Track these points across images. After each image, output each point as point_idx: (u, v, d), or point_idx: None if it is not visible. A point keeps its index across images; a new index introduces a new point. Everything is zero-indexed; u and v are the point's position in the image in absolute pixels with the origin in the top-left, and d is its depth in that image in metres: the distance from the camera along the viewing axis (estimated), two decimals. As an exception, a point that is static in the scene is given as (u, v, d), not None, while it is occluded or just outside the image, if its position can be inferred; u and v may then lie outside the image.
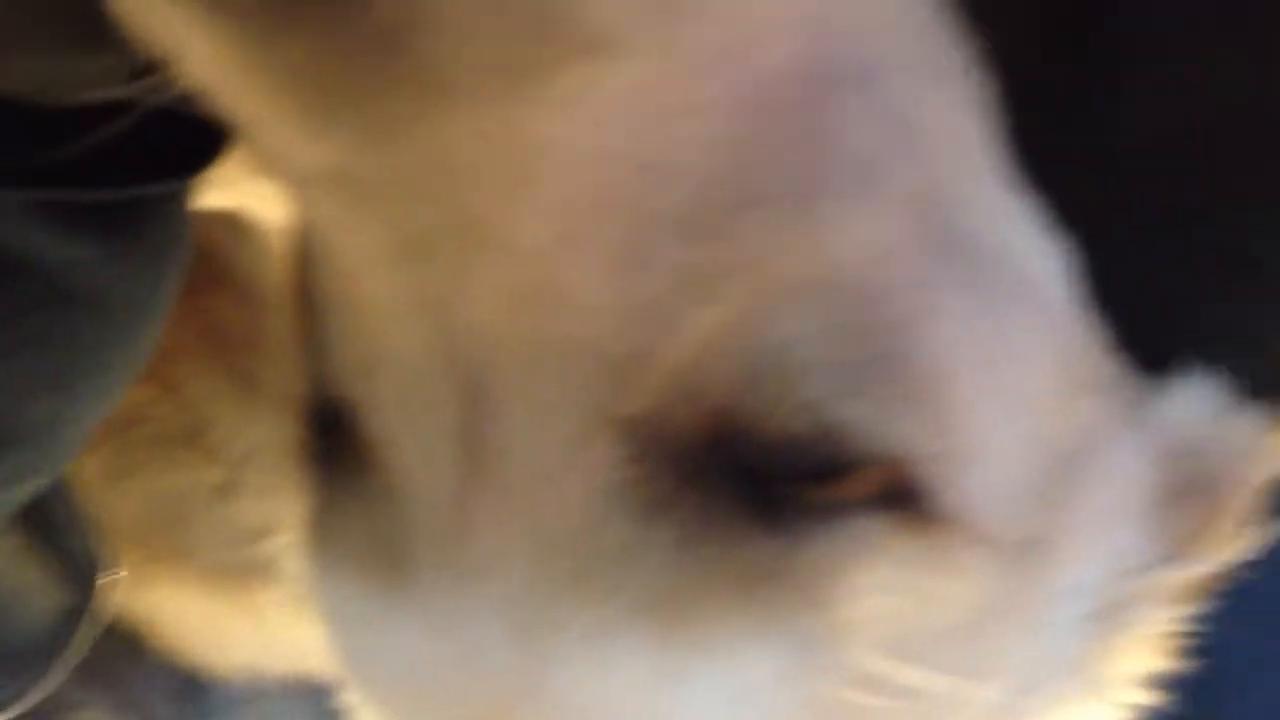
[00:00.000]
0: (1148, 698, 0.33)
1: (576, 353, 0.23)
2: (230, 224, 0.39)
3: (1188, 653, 0.32)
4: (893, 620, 0.25)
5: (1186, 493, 0.29)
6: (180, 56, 0.21)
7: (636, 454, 0.23)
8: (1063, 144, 0.26)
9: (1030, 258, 0.26)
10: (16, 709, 0.41)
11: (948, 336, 0.24)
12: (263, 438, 0.44)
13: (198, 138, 0.29)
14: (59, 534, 0.42)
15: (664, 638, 0.23)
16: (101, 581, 0.44)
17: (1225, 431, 0.29)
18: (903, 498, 0.24)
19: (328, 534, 0.27)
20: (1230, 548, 0.31)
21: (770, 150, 0.22)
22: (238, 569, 0.47)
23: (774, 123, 0.22)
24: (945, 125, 0.25)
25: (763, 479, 0.24)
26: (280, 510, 0.45)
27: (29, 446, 0.34)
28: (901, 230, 0.24)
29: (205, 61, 0.21)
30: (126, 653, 0.51)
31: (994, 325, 0.25)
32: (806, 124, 0.22)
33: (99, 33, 0.23)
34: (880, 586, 0.24)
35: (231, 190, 0.34)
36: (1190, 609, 0.32)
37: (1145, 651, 0.32)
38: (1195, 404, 0.28)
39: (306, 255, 0.26)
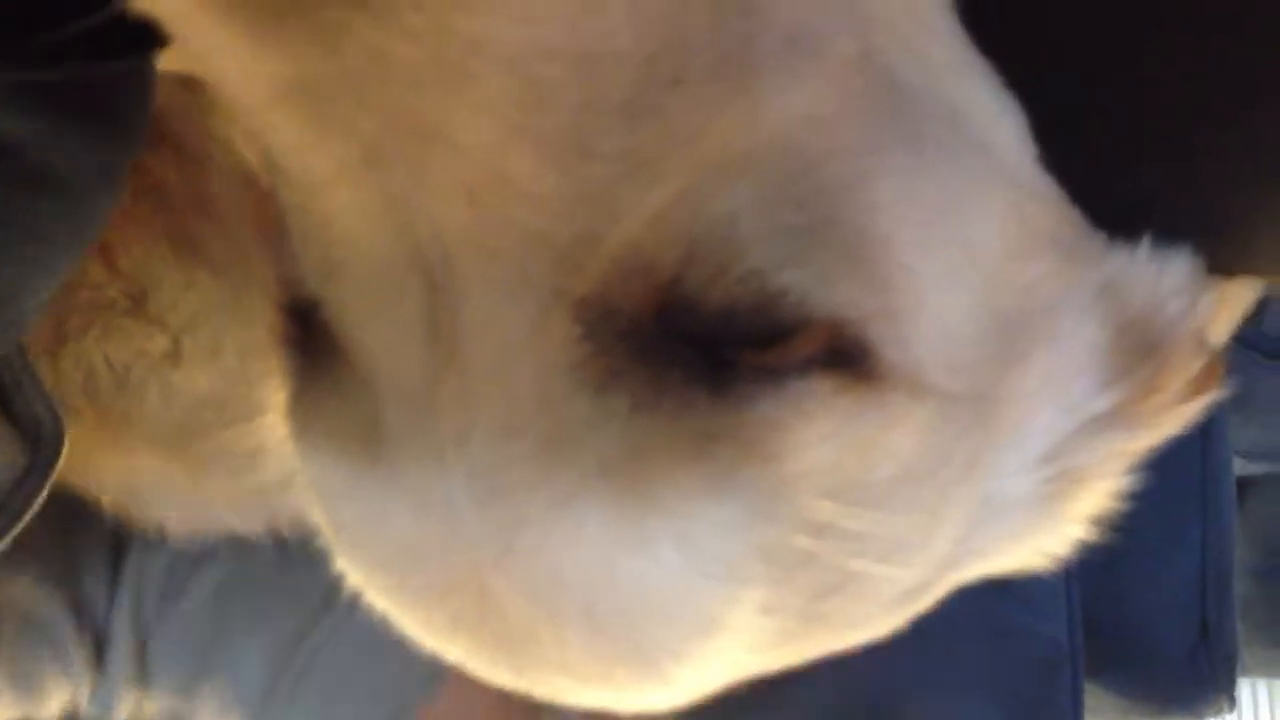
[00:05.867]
0: (1090, 535, 0.34)
1: (528, 241, 0.23)
2: (177, 84, 0.39)
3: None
4: (838, 470, 0.26)
5: (1138, 353, 0.30)
6: None
7: (589, 332, 0.24)
8: (1018, 12, 0.26)
9: (982, 115, 0.27)
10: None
11: (888, 198, 0.25)
12: (203, 304, 0.45)
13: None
14: (7, 394, 0.43)
15: (623, 501, 0.24)
16: (50, 445, 0.45)
17: (1178, 294, 0.29)
18: (845, 355, 0.25)
19: (308, 416, 0.28)
20: (1179, 411, 0.32)
21: (701, 28, 0.23)
22: (181, 434, 0.48)
23: (704, 2, 0.23)
24: None
25: (710, 346, 0.24)
26: (223, 379, 0.46)
27: None
28: (839, 96, 0.24)
29: None
30: (58, 523, 0.52)
31: (939, 183, 0.26)
32: (738, 1, 0.23)
33: None
34: (825, 440, 0.25)
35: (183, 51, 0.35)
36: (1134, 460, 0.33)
37: (1092, 495, 0.33)
38: (1149, 267, 0.29)
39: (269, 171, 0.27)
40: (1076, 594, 0.59)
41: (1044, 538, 0.33)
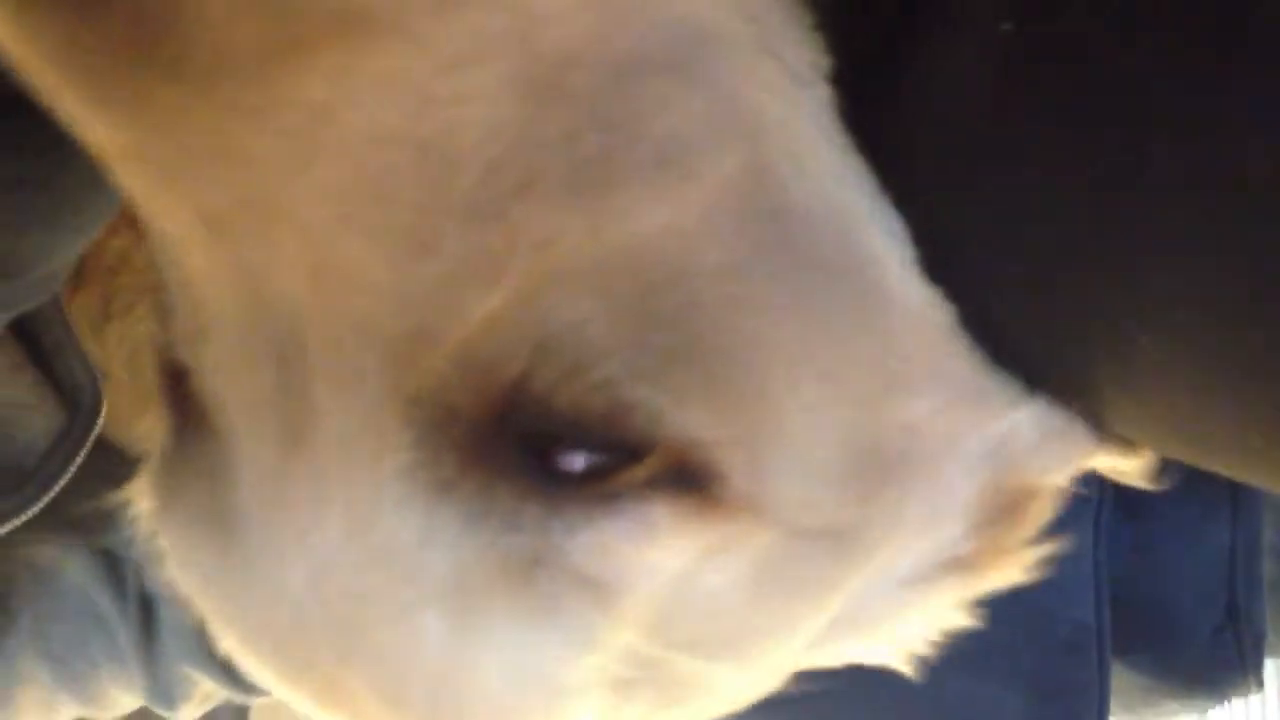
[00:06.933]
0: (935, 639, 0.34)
1: (363, 332, 0.23)
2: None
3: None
4: (671, 600, 0.25)
5: (1001, 511, 0.30)
6: None
7: (420, 437, 0.23)
8: (898, 118, 0.25)
9: (866, 230, 0.25)
10: (8, 526, 0.43)
11: (756, 322, 0.24)
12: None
13: None
14: (48, 357, 0.44)
15: (456, 621, 0.24)
16: (88, 409, 0.45)
17: (1050, 448, 0.29)
18: (690, 478, 0.24)
19: (171, 493, 0.27)
20: (1014, 563, 0.32)
21: (556, 137, 0.22)
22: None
23: (560, 109, 0.21)
24: (776, 100, 0.24)
25: (547, 457, 0.24)
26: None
27: (17, 279, 0.36)
28: (711, 214, 0.23)
29: None
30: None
31: (816, 308, 0.25)
32: (598, 110, 0.22)
33: None
34: (658, 568, 0.24)
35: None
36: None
37: (942, 609, 0.33)
38: (1034, 428, 0.28)
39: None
40: (1105, 576, 0.59)
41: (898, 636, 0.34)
